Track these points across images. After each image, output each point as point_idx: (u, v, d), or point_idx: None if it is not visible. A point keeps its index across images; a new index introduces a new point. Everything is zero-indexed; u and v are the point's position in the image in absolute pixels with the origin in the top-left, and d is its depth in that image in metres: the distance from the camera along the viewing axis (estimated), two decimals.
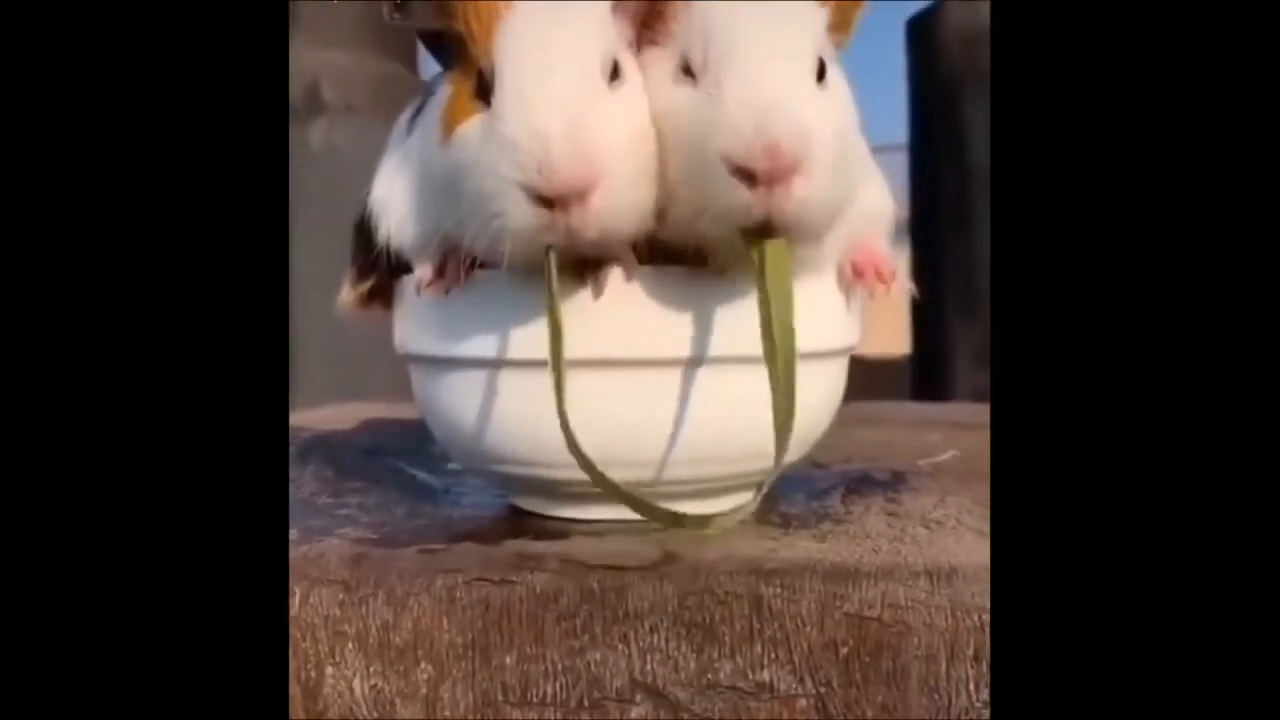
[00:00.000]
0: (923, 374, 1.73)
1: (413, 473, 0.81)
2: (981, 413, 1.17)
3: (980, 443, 0.92)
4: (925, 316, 1.69)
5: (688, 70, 0.53)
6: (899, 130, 1.79)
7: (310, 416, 1.26)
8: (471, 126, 0.53)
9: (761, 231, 0.51)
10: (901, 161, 1.83)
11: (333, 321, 0.70)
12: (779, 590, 0.49)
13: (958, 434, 0.99)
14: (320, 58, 1.64)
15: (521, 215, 0.50)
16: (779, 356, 0.53)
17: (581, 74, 0.51)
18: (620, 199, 0.51)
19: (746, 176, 0.49)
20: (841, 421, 0.67)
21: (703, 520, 0.56)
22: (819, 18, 0.55)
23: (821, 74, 0.53)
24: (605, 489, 0.54)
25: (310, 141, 1.70)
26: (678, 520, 0.56)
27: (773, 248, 0.51)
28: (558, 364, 0.53)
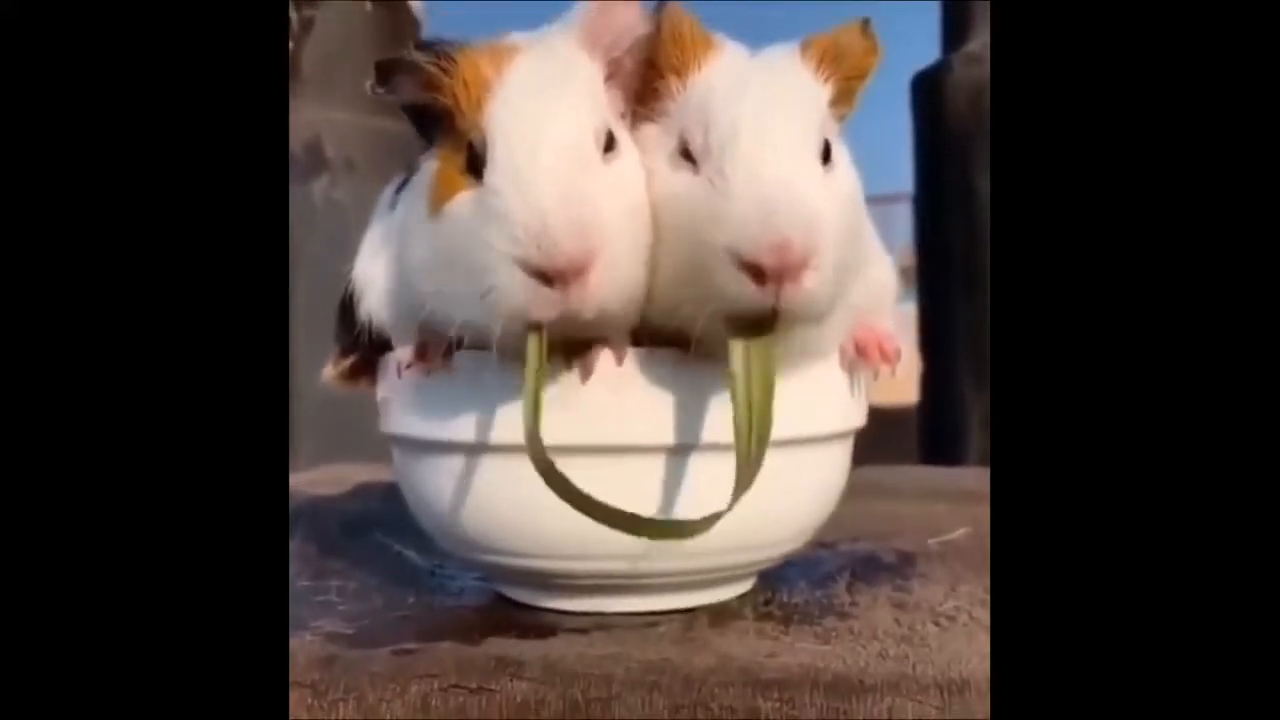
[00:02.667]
0: (932, 435, 1.69)
1: (399, 549, 0.78)
2: (989, 479, 1.14)
3: (989, 516, 0.89)
4: (934, 377, 1.66)
5: (686, 153, 0.51)
6: (905, 179, 1.78)
7: (302, 479, 1.23)
8: (462, 201, 0.50)
9: (760, 323, 0.48)
10: (907, 211, 1.82)
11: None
12: (777, 705, 0.45)
13: (967, 506, 0.96)
14: (322, 115, 1.64)
15: (517, 291, 0.47)
16: (749, 456, 0.50)
17: (576, 146, 0.49)
18: (618, 274, 0.49)
19: (754, 271, 0.46)
20: (850, 490, 0.64)
21: (673, 529, 0.51)
22: (821, 95, 0.52)
23: (826, 155, 0.51)
24: (568, 496, 0.49)
25: (313, 197, 1.69)
26: (650, 529, 0.51)
27: (757, 348, 0.49)
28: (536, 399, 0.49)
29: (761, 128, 0.49)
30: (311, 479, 1.23)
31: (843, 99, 0.54)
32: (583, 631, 0.55)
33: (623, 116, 0.54)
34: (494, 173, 0.49)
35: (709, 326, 0.50)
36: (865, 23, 0.55)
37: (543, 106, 0.50)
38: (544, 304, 0.47)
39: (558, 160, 0.48)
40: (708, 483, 0.54)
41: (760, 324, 0.49)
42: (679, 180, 0.51)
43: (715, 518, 0.50)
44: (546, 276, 0.47)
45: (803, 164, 0.49)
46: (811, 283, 0.47)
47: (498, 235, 0.47)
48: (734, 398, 0.49)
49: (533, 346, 0.49)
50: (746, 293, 0.47)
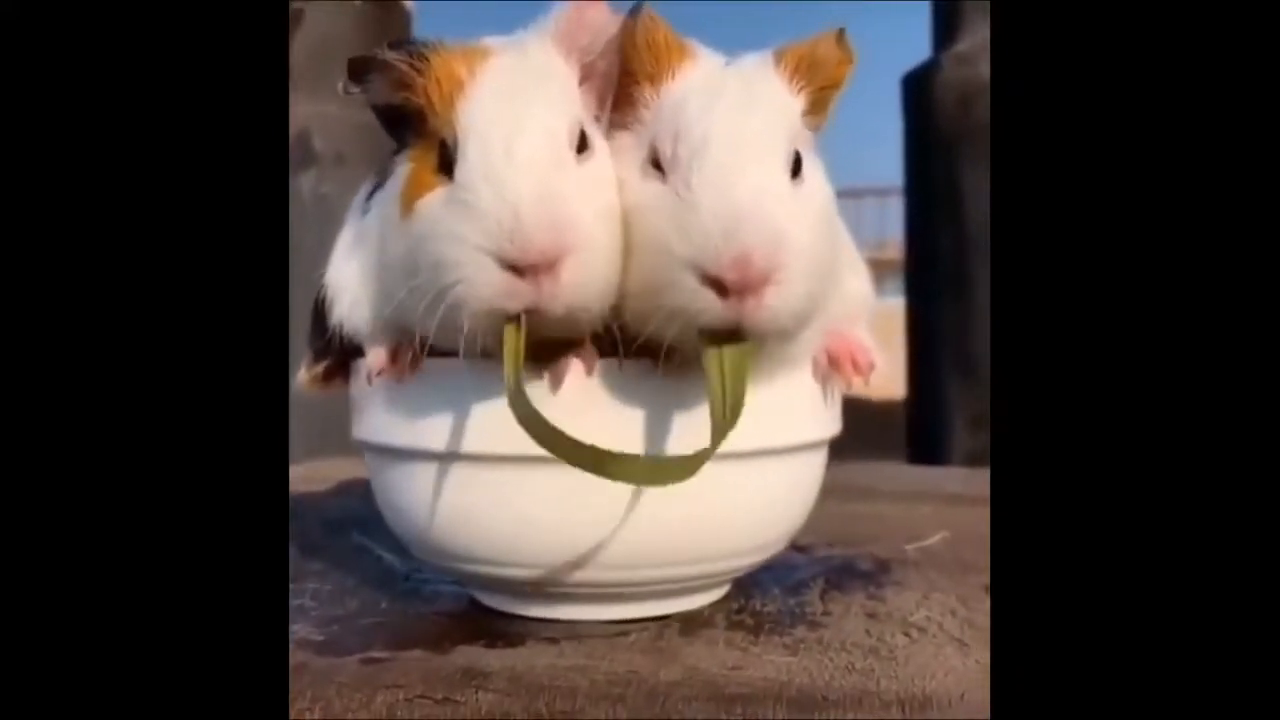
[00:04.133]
0: (917, 432, 1.69)
1: (378, 553, 0.78)
2: (973, 480, 1.14)
3: (970, 519, 0.89)
4: (919, 375, 1.66)
5: (656, 163, 0.51)
6: (895, 173, 1.77)
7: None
8: (434, 198, 0.50)
9: (727, 336, 0.48)
10: (897, 205, 1.81)
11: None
12: (740, 719, 0.45)
13: (949, 509, 0.96)
14: (311, 108, 1.63)
15: (487, 283, 0.47)
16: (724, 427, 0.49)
17: (550, 142, 0.49)
18: (590, 271, 0.48)
19: (716, 285, 0.46)
20: (830, 490, 0.64)
21: (651, 471, 0.51)
22: (793, 107, 0.52)
23: (797, 168, 0.50)
24: (554, 446, 0.49)
25: (301, 191, 1.68)
26: (641, 473, 0.51)
27: (732, 354, 0.48)
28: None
29: (730, 139, 0.49)
30: (296, 475, 1.23)
31: (816, 109, 0.54)
32: (553, 640, 0.55)
33: (596, 119, 0.54)
34: (466, 168, 0.48)
35: (679, 339, 0.49)
36: (840, 33, 0.55)
37: (517, 104, 0.50)
38: (514, 296, 0.47)
39: (532, 155, 0.48)
40: (685, 494, 0.54)
41: (728, 337, 0.49)
42: (647, 190, 0.50)
43: (690, 459, 0.49)
44: (519, 270, 0.47)
45: (771, 177, 0.49)
46: (775, 299, 0.47)
47: (470, 229, 0.47)
48: (710, 397, 0.49)
49: (510, 336, 0.48)
50: (709, 307, 0.47)
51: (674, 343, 0.50)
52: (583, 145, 0.51)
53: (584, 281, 0.48)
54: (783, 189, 0.49)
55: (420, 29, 1.89)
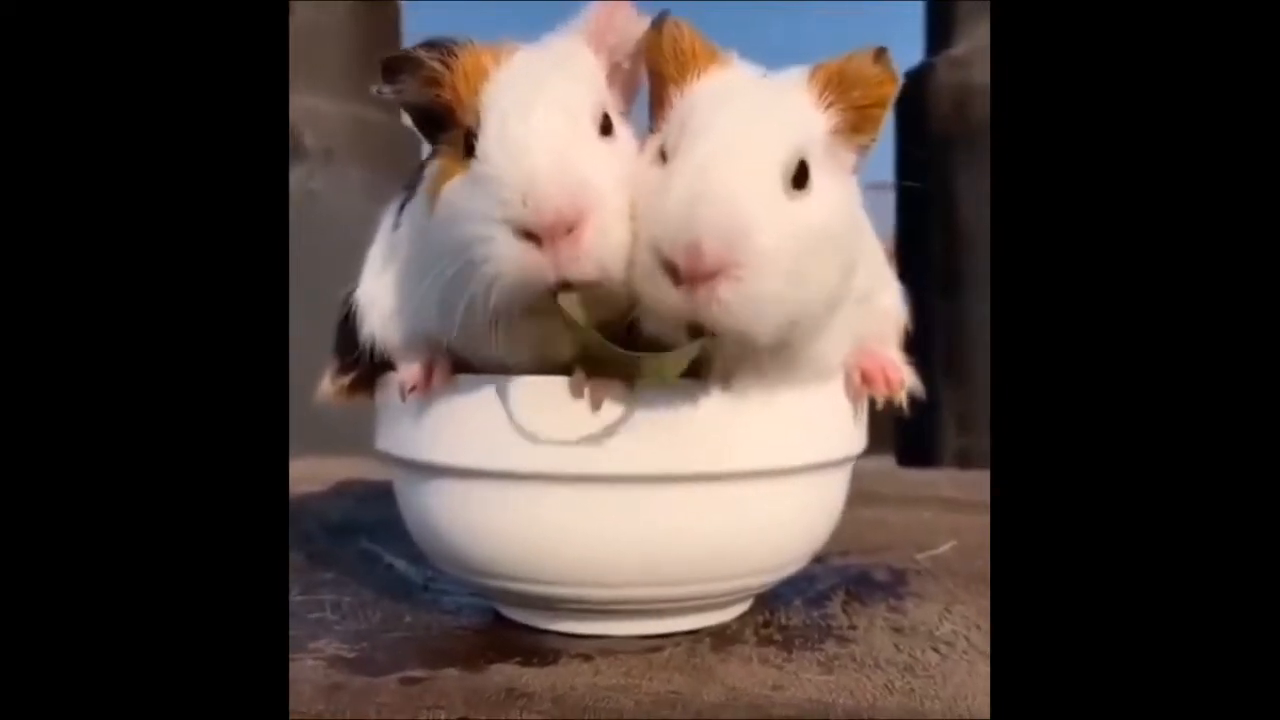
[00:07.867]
0: (906, 431, 1.71)
1: (389, 561, 0.77)
2: (968, 485, 1.15)
3: (973, 526, 0.90)
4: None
5: (664, 156, 0.50)
6: (887, 169, 1.77)
7: None
8: (455, 181, 0.50)
9: (696, 330, 0.47)
10: (890, 200, 1.82)
11: (314, 368, 0.66)
12: None
13: (950, 516, 0.97)
14: (301, 104, 1.61)
15: (509, 256, 0.46)
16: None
17: (569, 114, 0.49)
18: (613, 238, 0.47)
19: (671, 270, 0.46)
20: None
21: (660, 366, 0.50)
22: (811, 119, 0.51)
23: (802, 179, 0.49)
24: (590, 344, 0.49)
25: (291, 187, 1.66)
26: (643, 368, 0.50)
27: (655, 362, 0.48)
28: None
29: (723, 135, 0.48)
30: (292, 474, 1.22)
31: (861, 127, 0.53)
32: (587, 657, 0.55)
33: (623, 114, 0.54)
34: (485, 142, 0.48)
35: (657, 331, 0.49)
36: (879, 51, 0.54)
37: (538, 82, 0.50)
38: (537, 269, 0.46)
39: (550, 123, 0.48)
40: (709, 508, 0.54)
41: (696, 334, 0.48)
42: (647, 176, 0.50)
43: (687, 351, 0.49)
44: (537, 238, 0.46)
45: (753, 175, 0.47)
46: (729, 294, 0.45)
47: (486, 201, 0.47)
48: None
49: (566, 304, 0.47)
50: (664, 293, 0.46)
51: (652, 335, 0.49)
52: (607, 129, 0.51)
53: (608, 246, 0.47)
54: (765, 189, 0.47)
55: (410, 26, 1.88)
